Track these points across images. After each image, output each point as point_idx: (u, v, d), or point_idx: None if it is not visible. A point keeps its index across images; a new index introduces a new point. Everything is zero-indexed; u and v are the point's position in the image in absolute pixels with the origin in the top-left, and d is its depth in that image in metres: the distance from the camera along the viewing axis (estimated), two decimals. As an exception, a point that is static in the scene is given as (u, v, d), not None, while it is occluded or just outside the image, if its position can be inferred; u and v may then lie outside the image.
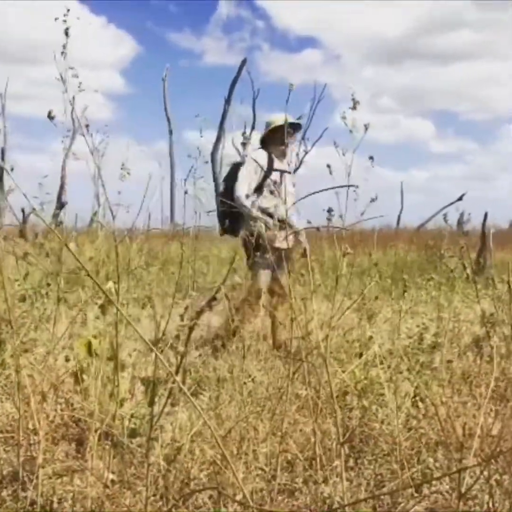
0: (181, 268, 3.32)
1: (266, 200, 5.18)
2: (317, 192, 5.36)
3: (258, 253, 4.75)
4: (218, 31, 41.82)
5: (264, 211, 5.15)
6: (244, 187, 5.17)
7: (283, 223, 5.08)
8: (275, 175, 5.22)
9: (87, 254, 9.04)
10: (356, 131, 4.37)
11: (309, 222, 5.24)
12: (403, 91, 43.98)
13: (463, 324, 5.13)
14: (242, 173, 5.24)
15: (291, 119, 5.13)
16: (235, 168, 5.44)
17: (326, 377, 2.46)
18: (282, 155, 5.31)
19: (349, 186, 2.64)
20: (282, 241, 5.08)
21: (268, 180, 5.19)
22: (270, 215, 5.10)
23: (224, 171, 24.83)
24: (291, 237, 5.20)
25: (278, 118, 5.23)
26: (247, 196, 5.15)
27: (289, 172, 5.41)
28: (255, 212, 5.12)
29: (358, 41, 42.98)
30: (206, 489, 2.41)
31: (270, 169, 5.19)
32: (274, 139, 5.21)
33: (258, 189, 5.19)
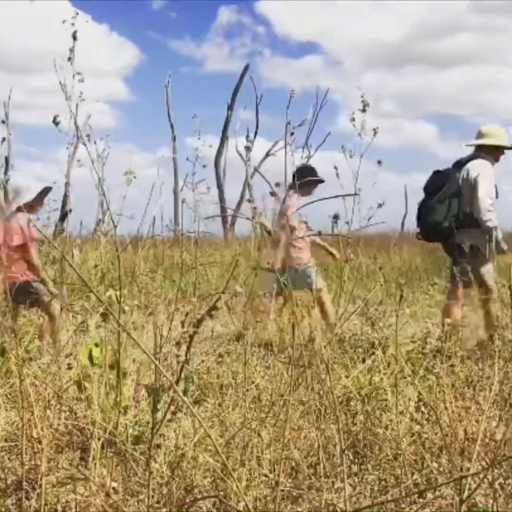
0: (182, 275, 3.33)
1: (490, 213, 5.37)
2: (322, 199, 5.36)
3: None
4: (219, 38, 41.82)
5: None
6: (487, 201, 5.33)
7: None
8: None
9: (91, 262, 9.06)
10: (364, 133, 4.38)
11: (310, 229, 5.28)
12: (405, 95, 43.95)
13: (468, 328, 5.12)
14: (484, 187, 5.35)
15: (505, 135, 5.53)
16: (441, 178, 5.57)
17: (329, 383, 2.47)
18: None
19: (351, 195, 2.65)
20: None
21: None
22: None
23: (229, 177, 24.74)
24: None
25: (502, 135, 5.52)
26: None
27: None
28: (494, 223, 5.35)
29: (359, 46, 42.94)
30: (207, 498, 2.41)
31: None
32: (493, 153, 5.47)
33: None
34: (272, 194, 5.14)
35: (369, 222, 3.49)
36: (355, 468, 3.11)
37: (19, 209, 5.10)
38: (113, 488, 1.64)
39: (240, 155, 23.62)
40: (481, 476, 2.14)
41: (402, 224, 24.20)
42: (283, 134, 3.02)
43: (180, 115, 26.07)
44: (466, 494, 1.68)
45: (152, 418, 1.89)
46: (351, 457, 3.19)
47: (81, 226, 14.81)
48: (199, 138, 5.83)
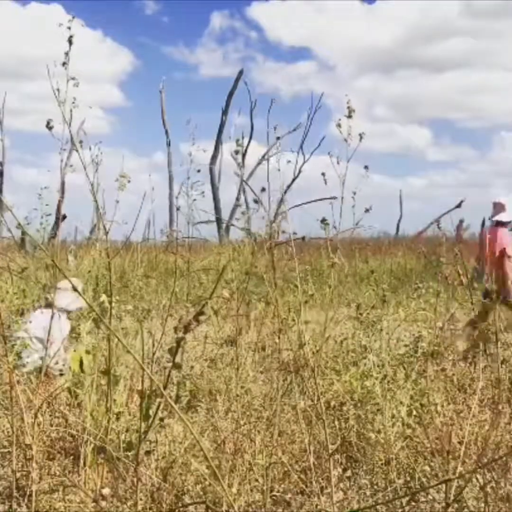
0: (176, 281, 3.33)
1: None
2: (307, 203, 5.40)
3: None
4: (212, 43, 41.72)
5: None
6: None
7: None
8: None
9: (86, 267, 9.04)
10: (351, 139, 4.38)
11: (295, 233, 5.28)
12: (398, 99, 43.93)
13: (460, 331, 5.13)
14: None
15: None
16: None
17: (319, 389, 2.47)
18: None
19: (331, 198, 2.67)
20: None
21: None
22: None
23: (224, 181, 24.75)
24: None
25: None
26: None
27: None
28: None
29: (352, 51, 42.84)
30: (196, 504, 2.41)
31: None
32: None
33: None
34: (256, 201, 5.10)
35: (357, 226, 3.50)
36: (348, 472, 3.11)
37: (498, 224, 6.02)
38: (102, 495, 1.64)
39: (235, 159, 23.64)
40: (469, 478, 2.15)
41: (397, 227, 24.30)
42: (277, 139, 3.05)
43: (174, 121, 26.05)
44: (453, 497, 1.68)
45: (139, 424, 1.90)
46: (344, 462, 3.19)
47: (76, 232, 14.79)
48: (193, 144, 5.84)
